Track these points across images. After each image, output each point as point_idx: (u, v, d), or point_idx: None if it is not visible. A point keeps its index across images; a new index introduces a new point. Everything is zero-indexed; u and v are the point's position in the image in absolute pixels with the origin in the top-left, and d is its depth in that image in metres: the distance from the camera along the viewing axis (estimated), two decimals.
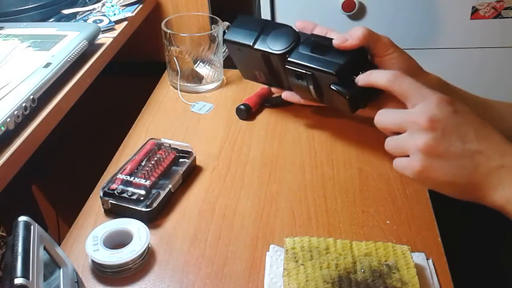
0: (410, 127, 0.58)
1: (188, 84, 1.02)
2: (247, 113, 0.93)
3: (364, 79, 0.69)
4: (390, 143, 0.62)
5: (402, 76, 0.62)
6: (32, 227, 0.51)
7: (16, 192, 0.97)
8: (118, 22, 0.96)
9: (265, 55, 0.82)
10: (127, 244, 0.65)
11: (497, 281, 0.79)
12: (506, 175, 0.54)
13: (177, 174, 0.77)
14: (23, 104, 0.67)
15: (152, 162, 0.77)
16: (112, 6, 1.00)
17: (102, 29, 0.90)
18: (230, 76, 1.07)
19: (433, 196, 0.75)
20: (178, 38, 0.99)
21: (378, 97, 0.71)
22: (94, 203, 0.75)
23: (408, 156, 0.59)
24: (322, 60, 0.75)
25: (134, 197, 0.71)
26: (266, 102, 0.97)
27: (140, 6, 1.04)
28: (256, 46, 0.84)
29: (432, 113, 0.56)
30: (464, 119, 0.57)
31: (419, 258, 0.64)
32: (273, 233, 0.69)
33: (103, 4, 1.00)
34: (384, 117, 0.63)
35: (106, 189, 0.73)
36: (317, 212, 0.72)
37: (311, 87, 0.77)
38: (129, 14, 0.99)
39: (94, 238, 0.65)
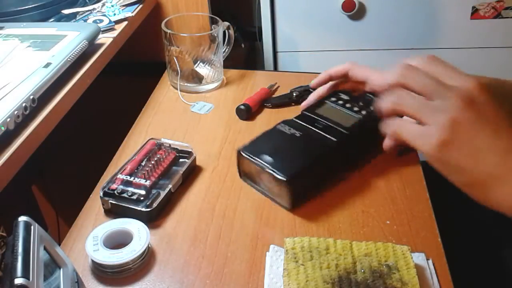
0: (444, 96, 0.51)
1: (188, 84, 1.02)
2: (247, 113, 0.93)
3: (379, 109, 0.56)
4: (409, 100, 0.53)
5: (435, 61, 0.55)
6: (32, 227, 0.51)
7: (16, 192, 0.97)
8: (118, 22, 0.96)
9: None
10: (127, 244, 0.65)
11: (497, 281, 0.79)
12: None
13: (177, 174, 0.77)
14: (23, 104, 0.67)
15: (152, 162, 0.77)
16: (112, 6, 1.00)
17: (102, 29, 0.90)
18: (230, 76, 1.07)
19: (433, 196, 0.75)
20: (178, 38, 0.99)
21: None
22: (94, 203, 0.75)
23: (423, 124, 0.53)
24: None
25: (134, 197, 0.71)
26: (266, 102, 0.97)
27: (140, 6, 1.04)
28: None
29: (473, 95, 0.50)
30: (501, 111, 0.52)
31: (419, 258, 0.64)
32: (273, 233, 0.69)
33: (103, 4, 1.00)
34: (414, 76, 0.54)
35: (106, 189, 0.73)
36: (317, 212, 0.72)
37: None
38: (129, 14, 0.99)
39: (94, 238, 0.65)
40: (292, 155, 0.69)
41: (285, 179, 0.69)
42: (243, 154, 0.74)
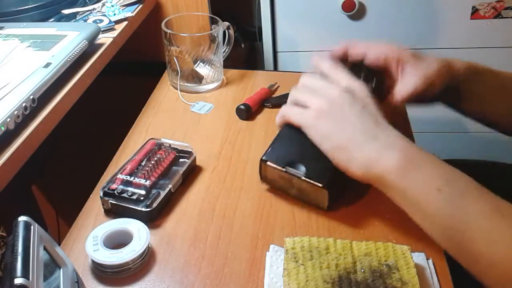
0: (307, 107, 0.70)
1: (188, 84, 1.02)
2: (247, 113, 0.93)
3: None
4: (289, 113, 0.72)
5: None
6: (32, 227, 0.51)
7: (16, 192, 0.97)
8: (118, 22, 0.96)
9: None
10: (127, 244, 0.65)
11: None
12: (379, 147, 0.62)
13: (177, 174, 0.77)
14: (23, 104, 0.67)
15: (152, 162, 0.77)
16: (112, 6, 1.00)
17: (102, 29, 0.90)
18: (230, 76, 1.07)
19: None
20: (178, 38, 0.99)
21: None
22: (94, 203, 0.75)
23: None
24: None
25: (134, 197, 0.71)
26: (266, 102, 0.97)
27: (140, 6, 1.04)
28: None
29: (322, 106, 0.67)
30: (352, 108, 0.66)
31: (419, 258, 0.64)
32: (273, 233, 0.69)
33: (103, 4, 1.00)
34: (288, 110, 0.73)
35: (106, 189, 0.73)
36: (317, 212, 0.72)
37: None
38: (129, 14, 0.99)
39: (94, 238, 0.65)
40: (319, 158, 0.67)
41: (324, 186, 0.69)
42: (270, 164, 0.73)
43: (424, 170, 0.60)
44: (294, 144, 0.72)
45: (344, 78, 0.70)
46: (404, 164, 0.60)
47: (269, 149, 0.74)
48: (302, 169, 0.71)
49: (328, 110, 0.66)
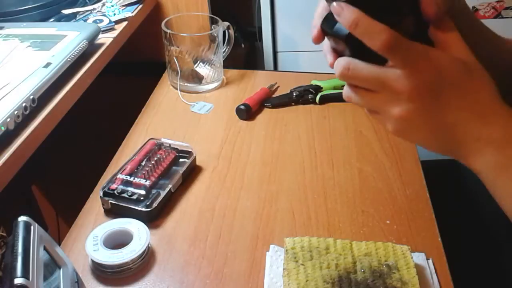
0: (387, 91, 0.51)
1: (188, 84, 1.02)
2: (247, 113, 0.93)
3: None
4: (355, 99, 0.54)
5: (399, 40, 0.51)
6: (32, 227, 0.51)
7: (16, 192, 0.97)
8: (118, 22, 0.96)
9: None
10: (127, 244, 0.65)
11: (497, 281, 0.79)
12: (482, 147, 0.52)
13: (177, 174, 0.77)
14: (23, 104, 0.67)
15: (152, 162, 0.77)
16: (112, 6, 1.00)
17: (102, 29, 0.90)
18: (230, 76, 1.07)
19: (433, 196, 0.75)
20: (178, 38, 0.99)
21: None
22: (94, 203, 0.75)
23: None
24: None
25: (134, 197, 0.71)
26: (266, 102, 0.97)
27: (140, 6, 1.04)
28: None
29: (416, 82, 0.50)
30: (449, 84, 0.51)
31: (419, 258, 0.64)
32: (273, 233, 0.69)
33: (103, 4, 1.00)
34: (358, 69, 0.52)
35: (106, 189, 0.73)
36: (317, 212, 0.72)
37: None
38: (129, 14, 0.99)
39: (94, 238, 0.65)
40: None
41: None
42: None
43: None
44: None
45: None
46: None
47: None
48: None
49: (406, 128, 0.52)
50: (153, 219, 0.71)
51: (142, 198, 0.71)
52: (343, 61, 0.52)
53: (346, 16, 0.50)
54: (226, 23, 1.02)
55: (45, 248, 0.52)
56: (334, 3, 0.50)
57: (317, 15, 0.56)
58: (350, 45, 0.52)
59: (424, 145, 0.54)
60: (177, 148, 0.81)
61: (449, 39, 0.52)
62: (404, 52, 0.50)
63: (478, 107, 0.52)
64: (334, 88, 0.98)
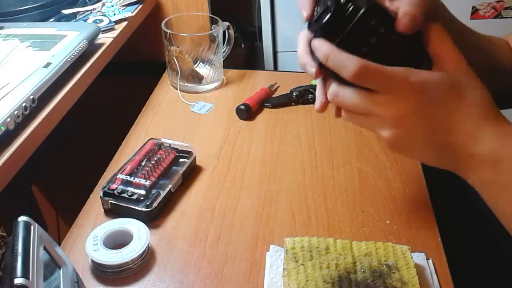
0: (375, 115, 0.52)
1: (188, 84, 1.02)
2: (247, 113, 0.93)
3: (320, 56, 0.53)
4: (349, 119, 0.56)
5: (368, 70, 0.51)
6: (32, 227, 0.51)
7: (16, 192, 0.97)
8: (118, 22, 0.96)
9: None
10: (127, 244, 0.65)
11: (497, 281, 0.79)
12: (474, 164, 0.52)
13: (177, 174, 0.77)
14: (23, 104, 0.67)
15: (152, 162, 0.77)
16: (112, 6, 1.00)
17: (102, 29, 0.90)
18: (230, 76, 1.07)
19: (433, 196, 0.75)
20: (178, 38, 0.99)
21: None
22: (94, 203, 0.75)
23: None
24: None
25: (134, 197, 0.71)
26: (266, 102, 0.97)
27: (140, 6, 1.04)
28: None
29: (398, 109, 0.51)
30: (436, 106, 0.51)
31: (419, 258, 0.64)
32: (273, 233, 0.69)
33: (103, 4, 1.00)
34: (343, 95, 0.53)
35: (106, 189, 0.73)
36: (317, 212, 0.72)
37: None
38: (129, 14, 0.99)
39: (94, 238, 0.65)
40: None
41: None
42: None
43: None
44: None
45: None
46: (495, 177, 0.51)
47: None
48: None
49: (398, 148, 0.53)
50: (153, 219, 0.71)
51: (142, 198, 0.71)
52: (332, 88, 0.54)
53: (319, 51, 0.52)
54: (226, 23, 1.02)
55: (45, 248, 0.52)
56: (313, 40, 0.52)
57: (301, 44, 0.57)
58: (331, 74, 0.53)
59: (422, 161, 0.55)
60: (177, 148, 0.81)
61: (441, 51, 0.52)
62: (379, 79, 0.50)
63: (468, 125, 0.52)
64: None
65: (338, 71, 0.51)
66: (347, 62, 0.50)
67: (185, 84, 1.02)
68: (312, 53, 0.54)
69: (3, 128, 0.62)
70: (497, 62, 0.69)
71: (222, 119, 0.94)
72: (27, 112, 0.68)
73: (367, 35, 0.51)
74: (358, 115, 0.54)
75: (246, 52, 1.53)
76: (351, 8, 0.50)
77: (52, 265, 0.53)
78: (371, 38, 0.51)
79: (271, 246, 0.66)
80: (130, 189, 0.72)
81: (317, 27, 0.52)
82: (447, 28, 0.54)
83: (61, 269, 0.54)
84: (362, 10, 0.50)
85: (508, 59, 0.71)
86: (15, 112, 0.65)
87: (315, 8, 0.54)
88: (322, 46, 0.51)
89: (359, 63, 0.49)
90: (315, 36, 0.53)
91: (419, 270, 0.61)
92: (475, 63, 0.54)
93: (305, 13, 0.55)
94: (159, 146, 0.81)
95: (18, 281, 0.44)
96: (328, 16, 0.50)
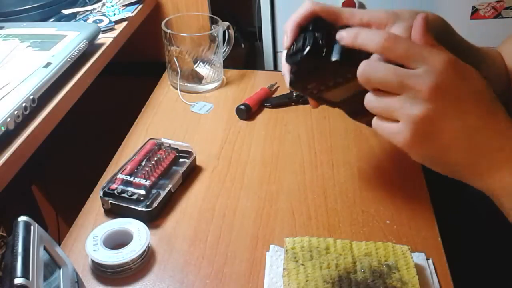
0: (407, 91, 0.49)
1: (188, 84, 1.02)
2: (247, 113, 0.93)
3: (348, 38, 0.54)
4: (375, 103, 0.52)
5: (397, 38, 0.50)
6: (32, 227, 0.51)
7: (16, 192, 0.97)
8: (118, 22, 0.96)
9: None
10: (127, 244, 0.65)
11: (497, 281, 0.80)
12: (504, 159, 0.49)
13: (177, 174, 0.77)
14: (23, 104, 0.67)
15: (152, 162, 0.77)
16: (112, 6, 1.00)
17: (102, 29, 0.90)
18: (230, 76, 1.07)
19: (433, 196, 0.75)
20: (178, 38, 0.99)
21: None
22: (94, 203, 0.75)
23: (396, 121, 0.51)
24: None
25: (134, 197, 0.71)
26: (266, 102, 0.97)
27: (140, 6, 1.04)
28: None
29: (436, 81, 0.48)
30: (469, 87, 0.49)
31: (419, 258, 0.64)
32: (273, 233, 0.69)
33: (103, 4, 1.00)
34: (375, 70, 0.51)
35: (106, 189, 0.73)
36: (317, 212, 0.72)
37: None
38: (129, 14, 0.99)
39: (94, 238, 0.65)
40: None
41: None
42: None
43: None
44: None
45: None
46: None
47: None
48: None
49: (425, 134, 0.50)
50: (153, 219, 0.71)
51: (142, 198, 0.71)
52: (363, 64, 0.52)
53: (346, 35, 0.55)
54: (226, 23, 1.02)
55: (45, 248, 0.52)
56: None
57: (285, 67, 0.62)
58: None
59: (437, 159, 0.51)
60: (177, 148, 0.81)
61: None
62: (412, 46, 0.50)
63: (500, 116, 0.50)
64: None
65: (366, 47, 0.52)
66: (374, 36, 0.51)
67: (185, 84, 1.02)
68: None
69: (3, 128, 0.62)
70: (496, 76, 0.69)
71: (222, 119, 0.94)
72: (27, 112, 0.68)
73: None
74: (386, 94, 0.50)
75: (246, 52, 1.53)
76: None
77: (52, 265, 0.53)
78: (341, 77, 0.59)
79: (271, 246, 0.66)
80: (130, 189, 0.72)
81: (292, 62, 0.61)
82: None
83: (61, 269, 0.54)
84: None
85: (502, 72, 0.71)
86: (15, 112, 0.65)
87: (293, 43, 0.62)
88: (348, 31, 0.54)
89: (386, 32, 0.52)
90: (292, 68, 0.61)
91: (419, 270, 0.61)
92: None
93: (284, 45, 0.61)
94: (159, 146, 0.81)
95: (18, 281, 0.44)
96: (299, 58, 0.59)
